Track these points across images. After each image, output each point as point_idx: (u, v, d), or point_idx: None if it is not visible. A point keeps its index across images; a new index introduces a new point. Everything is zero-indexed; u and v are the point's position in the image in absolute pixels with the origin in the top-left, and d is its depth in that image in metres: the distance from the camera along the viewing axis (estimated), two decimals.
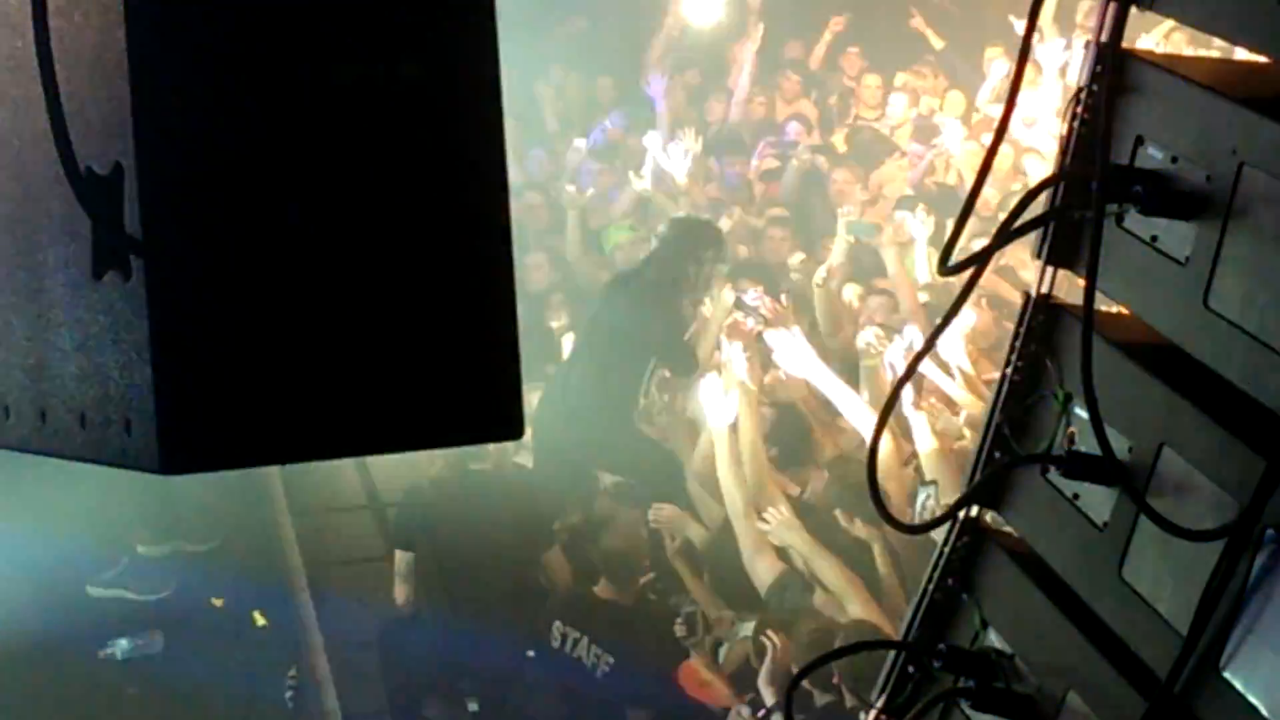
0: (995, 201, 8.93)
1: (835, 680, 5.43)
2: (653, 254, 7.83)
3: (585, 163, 10.38)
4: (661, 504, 6.89)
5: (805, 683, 5.37)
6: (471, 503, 7.11)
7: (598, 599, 6.61)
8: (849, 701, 5.39)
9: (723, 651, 6.28)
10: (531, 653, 6.54)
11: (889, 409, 3.28)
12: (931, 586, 3.22)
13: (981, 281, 3.08)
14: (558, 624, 6.52)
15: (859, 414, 6.65)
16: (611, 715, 6.44)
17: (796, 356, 6.78)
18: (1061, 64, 9.83)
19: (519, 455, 7.36)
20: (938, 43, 11.88)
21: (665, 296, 7.61)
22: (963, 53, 11.89)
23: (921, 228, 8.49)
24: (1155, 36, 8.59)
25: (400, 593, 7.28)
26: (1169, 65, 2.77)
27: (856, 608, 5.83)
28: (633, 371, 7.59)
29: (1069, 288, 3.02)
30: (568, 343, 8.35)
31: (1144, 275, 2.76)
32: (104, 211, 2.06)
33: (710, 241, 7.84)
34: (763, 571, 6.32)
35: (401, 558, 7.29)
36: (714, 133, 11.11)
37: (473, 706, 6.73)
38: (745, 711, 5.70)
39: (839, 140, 11.45)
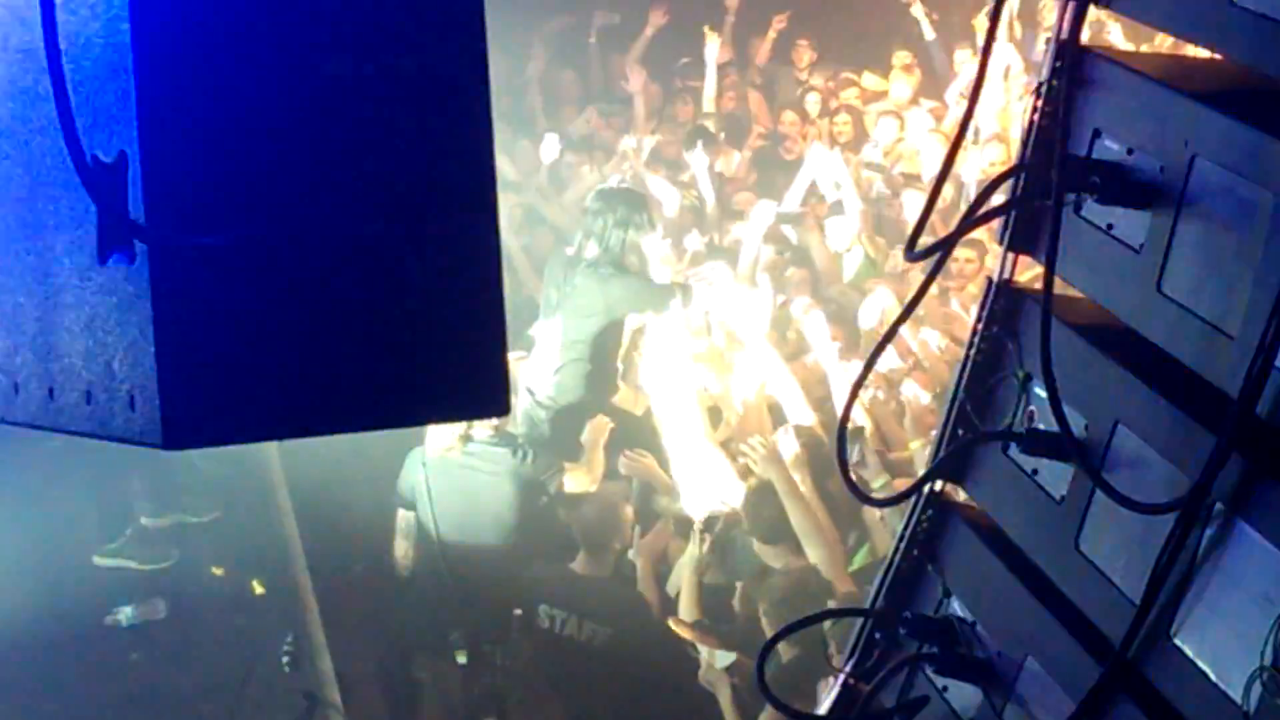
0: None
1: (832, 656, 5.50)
2: (586, 230, 7.79)
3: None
4: (634, 451, 6.97)
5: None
6: (468, 467, 7.19)
7: (576, 575, 6.65)
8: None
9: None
10: (518, 610, 6.61)
11: (860, 382, 3.31)
12: (898, 557, 3.28)
13: None
14: (544, 607, 6.56)
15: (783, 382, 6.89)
16: (616, 676, 6.53)
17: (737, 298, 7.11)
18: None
19: (509, 425, 7.42)
20: (930, 33, 11.82)
21: (614, 266, 7.63)
22: (930, 51, 11.86)
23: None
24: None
25: (400, 549, 7.27)
26: (1125, 61, 2.82)
27: (816, 554, 5.82)
28: (607, 346, 7.62)
29: (1029, 274, 3.08)
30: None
31: (1100, 261, 2.81)
32: (109, 198, 2.12)
33: (637, 207, 7.85)
34: (704, 500, 6.45)
35: (403, 516, 7.25)
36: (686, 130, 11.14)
37: (461, 660, 6.82)
38: (718, 664, 5.77)
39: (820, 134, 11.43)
